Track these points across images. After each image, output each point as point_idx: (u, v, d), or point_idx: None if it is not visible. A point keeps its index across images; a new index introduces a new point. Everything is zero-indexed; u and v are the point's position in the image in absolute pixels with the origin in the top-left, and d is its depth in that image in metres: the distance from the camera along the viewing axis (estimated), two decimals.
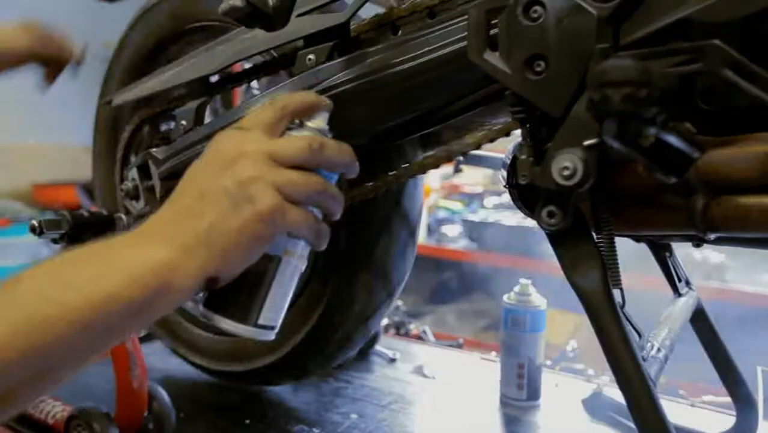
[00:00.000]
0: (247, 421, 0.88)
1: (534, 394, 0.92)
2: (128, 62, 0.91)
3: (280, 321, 0.52)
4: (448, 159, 0.58)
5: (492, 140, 0.54)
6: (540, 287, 0.94)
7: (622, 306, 0.51)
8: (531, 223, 0.53)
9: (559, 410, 0.91)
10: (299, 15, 0.64)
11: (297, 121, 0.51)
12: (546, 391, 0.94)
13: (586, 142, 0.45)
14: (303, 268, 0.52)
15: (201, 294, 0.49)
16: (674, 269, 0.73)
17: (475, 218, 2.65)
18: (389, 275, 0.81)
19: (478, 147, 0.55)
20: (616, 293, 0.50)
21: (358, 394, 0.97)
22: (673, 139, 0.38)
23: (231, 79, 0.74)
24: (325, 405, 0.93)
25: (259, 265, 0.49)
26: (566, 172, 0.45)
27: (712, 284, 2.02)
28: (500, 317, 0.94)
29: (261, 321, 0.50)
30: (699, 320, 0.73)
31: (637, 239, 0.70)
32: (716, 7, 0.42)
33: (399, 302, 1.50)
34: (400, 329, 1.36)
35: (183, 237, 0.45)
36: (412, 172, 0.63)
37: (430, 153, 0.61)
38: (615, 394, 0.91)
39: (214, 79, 0.77)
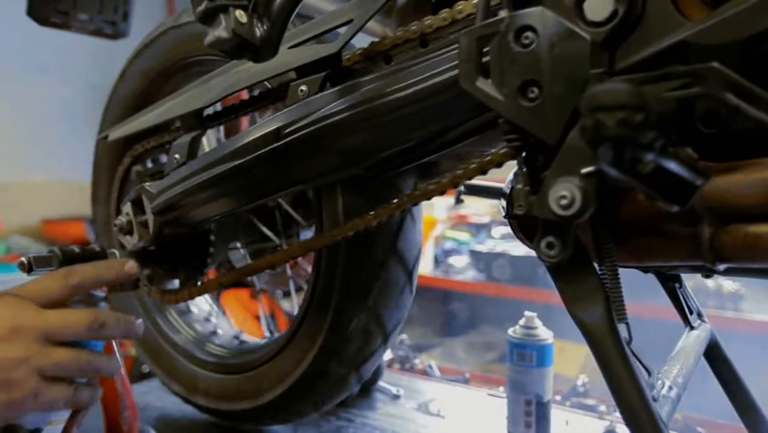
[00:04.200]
0: None
1: (544, 431, 0.88)
2: (125, 98, 0.91)
3: None
4: (440, 191, 0.56)
5: (484, 171, 0.52)
6: (549, 316, 0.90)
7: (629, 342, 0.48)
8: None
9: None
10: (291, 47, 0.64)
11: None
12: (556, 428, 0.90)
13: (584, 170, 0.43)
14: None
15: None
16: (685, 300, 0.70)
17: (483, 248, 2.61)
18: (384, 321, 0.79)
19: (469, 178, 0.53)
20: (622, 328, 0.48)
21: None
22: (673, 166, 0.36)
23: (225, 113, 0.73)
24: None
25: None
26: (564, 202, 0.43)
27: (726, 314, 1.96)
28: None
29: None
30: (714, 354, 0.70)
31: (645, 270, 0.67)
32: (714, 28, 0.40)
33: (404, 336, 1.46)
34: (404, 364, 1.32)
35: None
36: (408, 201, 0.61)
37: (424, 183, 0.59)
38: None
39: (210, 111, 0.76)
